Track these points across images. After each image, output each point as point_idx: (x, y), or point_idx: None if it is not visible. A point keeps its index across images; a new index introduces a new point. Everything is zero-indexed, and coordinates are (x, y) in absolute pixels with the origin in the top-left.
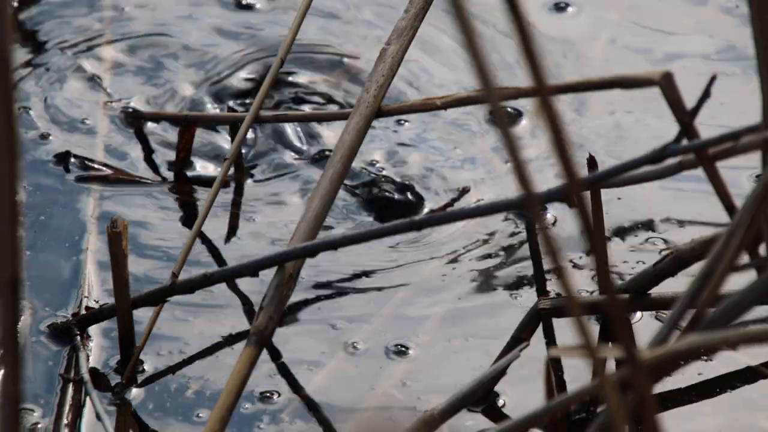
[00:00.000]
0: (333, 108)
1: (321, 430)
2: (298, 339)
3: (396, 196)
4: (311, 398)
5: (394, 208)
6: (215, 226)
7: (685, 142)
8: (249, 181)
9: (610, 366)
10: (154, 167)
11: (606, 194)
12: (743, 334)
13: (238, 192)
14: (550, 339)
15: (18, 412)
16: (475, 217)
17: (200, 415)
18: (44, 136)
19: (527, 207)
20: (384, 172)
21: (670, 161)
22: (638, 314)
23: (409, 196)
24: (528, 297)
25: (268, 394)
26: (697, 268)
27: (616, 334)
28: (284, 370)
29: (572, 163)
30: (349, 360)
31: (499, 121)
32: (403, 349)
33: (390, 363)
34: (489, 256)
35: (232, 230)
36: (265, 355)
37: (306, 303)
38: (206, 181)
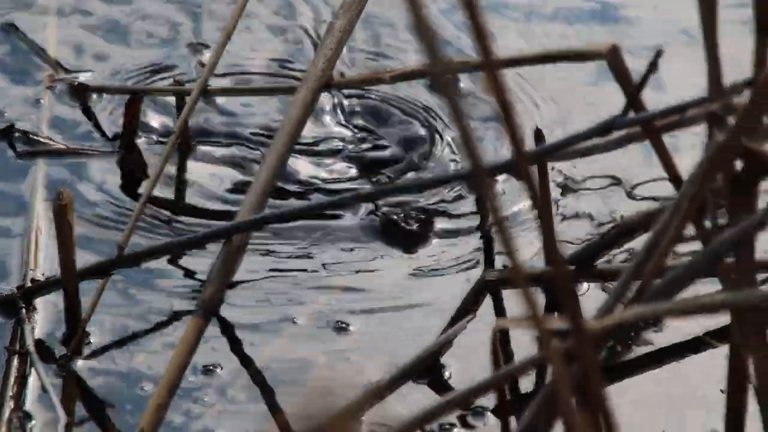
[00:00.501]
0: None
1: (266, 404)
2: (243, 312)
3: (414, 227)
4: (256, 372)
5: (403, 237)
6: (162, 199)
7: (632, 114)
8: (197, 153)
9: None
10: (101, 140)
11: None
12: (688, 304)
13: (184, 164)
14: (499, 311)
15: None
16: (423, 189)
17: (146, 387)
18: None
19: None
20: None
21: (618, 134)
22: (585, 286)
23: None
24: (477, 271)
25: (211, 367)
26: (642, 239)
27: (562, 305)
28: (230, 344)
29: (520, 136)
30: (293, 335)
31: (446, 93)
32: (344, 325)
33: (333, 338)
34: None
35: (179, 202)
36: (210, 327)
37: (253, 277)
38: (154, 154)
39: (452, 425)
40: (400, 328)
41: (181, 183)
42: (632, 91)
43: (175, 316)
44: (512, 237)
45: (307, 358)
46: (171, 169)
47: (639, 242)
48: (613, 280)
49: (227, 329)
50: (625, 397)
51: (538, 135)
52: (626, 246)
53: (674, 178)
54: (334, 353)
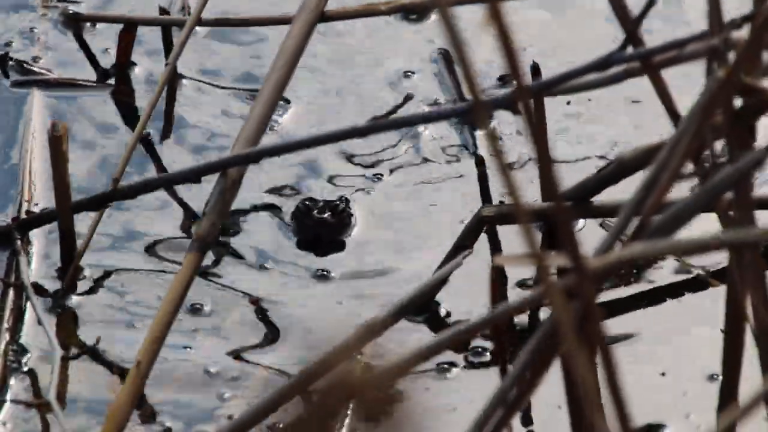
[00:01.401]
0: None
1: (260, 339)
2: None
3: (328, 217)
4: (247, 311)
5: (326, 230)
6: (157, 131)
7: (630, 49)
8: (187, 84)
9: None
10: (95, 71)
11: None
12: (687, 242)
13: (173, 96)
14: (494, 247)
15: None
16: (420, 123)
17: (141, 321)
18: None
19: (474, 114)
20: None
21: (616, 69)
22: (581, 222)
23: (339, 216)
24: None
25: (198, 306)
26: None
27: (561, 241)
28: (223, 281)
29: (520, 70)
30: (281, 276)
31: (446, 25)
32: (325, 273)
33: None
34: (433, 164)
35: (173, 134)
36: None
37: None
38: (147, 85)
39: (451, 364)
40: (398, 263)
41: (170, 116)
42: (631, 26)
43: (171, 250)
44: (510, 172)
45: (298, 300)
46: (162, 101)
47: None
48: (611, 216)
49: (219, 263)
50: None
51: (535, 70)
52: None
53: (673, 114)
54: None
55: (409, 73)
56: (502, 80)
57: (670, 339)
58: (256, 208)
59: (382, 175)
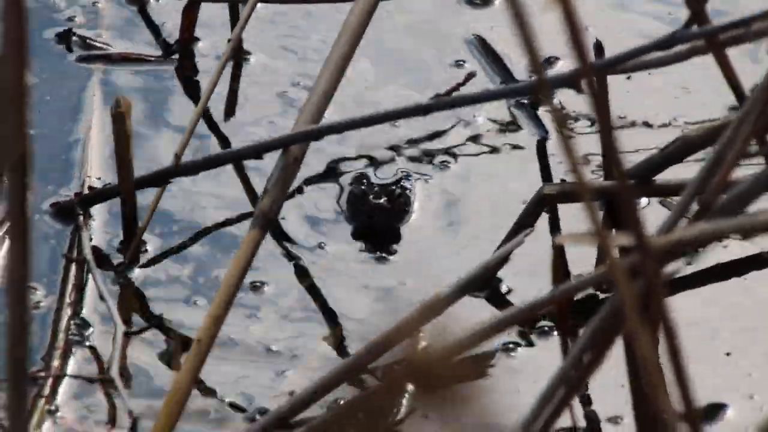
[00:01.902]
0: None
1: (320, 319)
2: (297, 226)
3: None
4: (307, 289)
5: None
6: (220, 107)
7: (695, 28)
8: (252, 61)
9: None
10: (158, 46)
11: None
12: (753, 221)
13: (237, 72)
14: (556, 226)
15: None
16: (483, 101)
17: (203, 296)
18: (46, 15)
19: (537, 91)
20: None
21: (680, 47)
22: (644, 200)
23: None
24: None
25: (258, 284)
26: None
27: (624, 220)
28: (285, 256)
29: (584, 49)
30: (344, 252)
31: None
32: (384, 256)
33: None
34: (494, 144)
35: (236, 111)
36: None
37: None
38: (211, 61)
39: (516, 344)
40: (460, 243)
41: (234, 92)
42: (696, 4)
43: (232, 226)
44: (572, 150)
45: (360, 277)
46: (226, 77)
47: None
48: (675, 195)
49: (282, 241)
50: (689, 314)
51: (599, 48)
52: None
53: (738, 93)
54: (389, 273)
55: (463, 61)
56: (548, 62)
57: (736, 318)
58: (315, 187)
59: (441, 154)
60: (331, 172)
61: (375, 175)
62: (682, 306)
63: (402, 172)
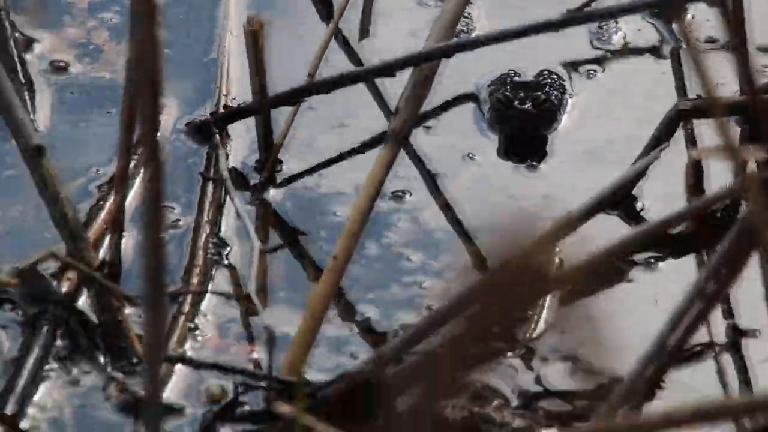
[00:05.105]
0: None
1: (457, 231)
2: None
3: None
4: (446, 201)
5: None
6: (352, 25)
7: None
8: None
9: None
10: None
11: None
12: None
13: None
14: (691, 141)
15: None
16: (616, 16)
17: (339, 213)
18: None
19: (671, 5)
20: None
21: None
22: None
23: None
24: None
25: (400, 193)
26: None
27: (760, 134)
28: (420, 173)
29: None
30: (482, 170)
31: None
32: (534, 164)
33: (525, 176)
34: (627, 59)
35: (369, 29)
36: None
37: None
38: None
39: (658, 258)
40: (595, 158)
41: (368, 10)
42: None
43: (367, 142)
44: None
45: (499, 192)
46: None
47: None
48: None
49: (417, 157)
50: None
51: None
52: None
53: None
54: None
55: None
56: None
57: None
58: (456, 99)
59: (575, 70)
60: (470, 86)
61: (517, 80)
62: None
63: (547, 77)
